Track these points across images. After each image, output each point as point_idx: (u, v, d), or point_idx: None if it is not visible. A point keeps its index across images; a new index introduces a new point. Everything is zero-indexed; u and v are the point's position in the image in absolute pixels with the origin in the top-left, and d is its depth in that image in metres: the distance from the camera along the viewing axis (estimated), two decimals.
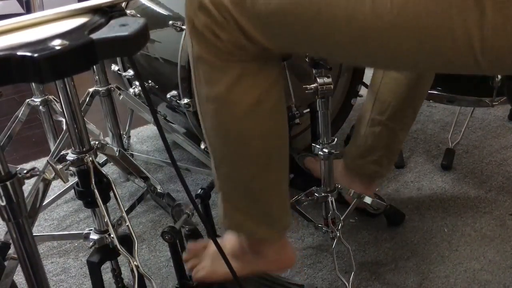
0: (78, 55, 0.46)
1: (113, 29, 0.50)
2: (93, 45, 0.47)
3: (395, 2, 0.66)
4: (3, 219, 0.59)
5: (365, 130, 1.26)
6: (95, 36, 0.47)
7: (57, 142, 1.27)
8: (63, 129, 1.44)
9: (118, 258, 1.03)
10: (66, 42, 0.45)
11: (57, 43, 0.45)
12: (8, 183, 0.57)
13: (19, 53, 0.44)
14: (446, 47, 0.68)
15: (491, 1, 0.63)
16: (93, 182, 0.91)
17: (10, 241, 1.27)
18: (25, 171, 0.60)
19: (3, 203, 0.57)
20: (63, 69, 0.45)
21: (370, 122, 1.25)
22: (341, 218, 1.19)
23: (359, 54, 0.78)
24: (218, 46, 0.79)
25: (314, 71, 1.08)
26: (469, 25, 0.64)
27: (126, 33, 0.48)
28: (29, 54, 0.43)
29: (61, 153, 0.94)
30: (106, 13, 0.55)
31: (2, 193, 0.57)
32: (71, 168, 0.94)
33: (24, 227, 0.59)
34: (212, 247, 1.09)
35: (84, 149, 0.92)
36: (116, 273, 1.05)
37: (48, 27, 0.51)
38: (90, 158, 0.92)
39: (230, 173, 0.93)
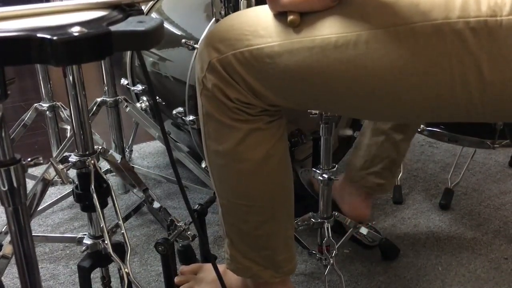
0: (95, 43, 0.47)
1: (130, 24, 0.52)
2: (110, 36, 0.48)
3: (394, 63, 0.70)
4: (3, 204, 0.59)
5: (368, 140, 1.27)
6: (113, 28, 0.49)
7: (61, 147, 1.28)
8: (67, 136, 1.45)
9: (109, 268, 1.02)
10: (84, 30, 0.47)
11: (76, 30, 0.46)
12: (11, 167, 0.57)
13: (38, 35, 0.46)
14: (448, 103, 0.72)
15: (486, 60, 0.67)
16: (93, 186, 0.92)
17: (2, 242, 1.28)
18: (29, 159, 0.61)
19: (5, 188, 0.58)
20: (79, 54, 0.47)
21: (373, 132, 1.26)
22: (336, 246, 1.18)
23: (362, 111, 0.82)
24: (227, 105, 0.81)
25: None
26: (468, 83, 0.69)
27: (142, 29, 0.50)
28: (48, 36, 0.45)
29: (64, 155, 0.95)
30: (125, 10, 0.57)
31: (4, 178, 0.58)
32: (71, 175, 0.95)
33: (22, 213, 0.59)
34: (211, 274, 1.08)
35: (87, 152, 0.93)
36: (106, 281, 1.04)
37: (69, 16, 0.53)
38: (92, 161, 0.93)
39: (236, 223, 0.95)
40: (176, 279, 1.13)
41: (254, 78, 0.78)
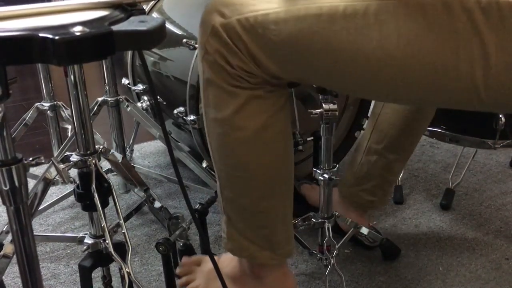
0: (97, 42, 0.47)
1: (132, 24, 0.52)
2: (112, 35, 0.48)
3: (402, 37, 0.69)
4: (4, 203, 0.59)
5: (361, 158, 1.27)
6: (114, 27, 0.49)
7: (62, 146, 1.28)
8: (68, 136, 1.45)
9: (110, 267, 1.02)
10: (86, 29, 0.47)
11: (77, 29, 0.47)
12: (13, 167, 0.58)
13: (40, 34, 0.46)
14: (451, 83, 0.71)
15: (494, 42, 0.66)
16: (94, 185, 0.92)
17: (4, 241, 1.27)
18: (30, 159, 0.61)
19: (6, 188, 0.58)
20: (81, 54, 0.47)
21: (367, 151, 1.26)
22: (336, 246, 1.18)
23: (364, 87, 0.80)
24: (229, 71, 0.80)
25: (320, 97, 1.10)
26: (474, 63, 0.68)
27: (144, 28, 0.50)
28: (50, 36, 0.45)
29: (65, 154, 0.95)
30: (126, 10, 0.57)
31: (6, 177, 0.58)
32: (72, 174, 0.95)
33: (23, 212, 0.59)
34: (208, 265, 1.08)
35: (88, 152, 0.93)
36: (106, 280, 1.05)
37: (70, 15, 0.53)
38: (94, 161, 0.93)
39: (234, 197, 0.94)
40: (177, 270, 1.12)
41: (257, 46, 0.77)
